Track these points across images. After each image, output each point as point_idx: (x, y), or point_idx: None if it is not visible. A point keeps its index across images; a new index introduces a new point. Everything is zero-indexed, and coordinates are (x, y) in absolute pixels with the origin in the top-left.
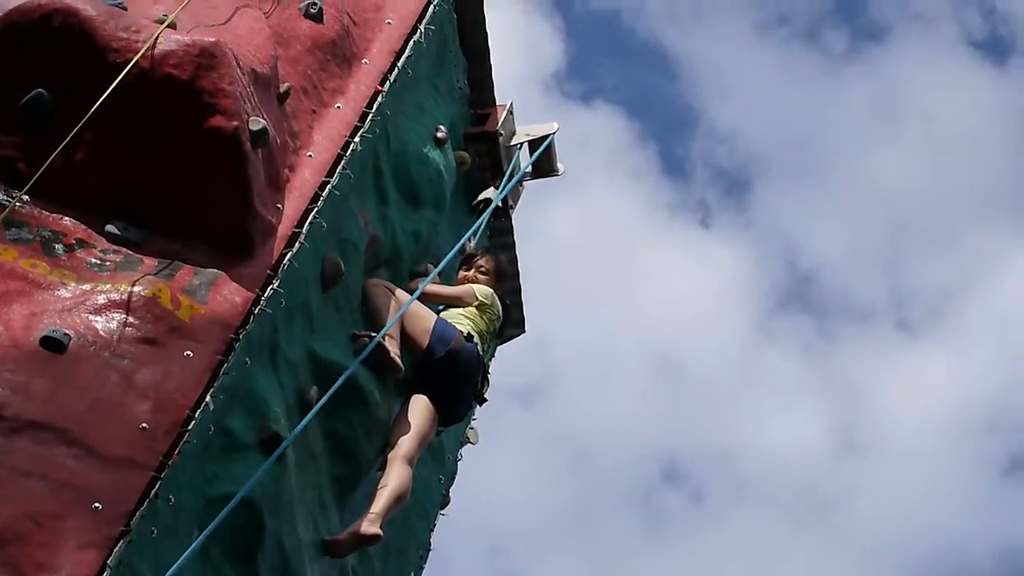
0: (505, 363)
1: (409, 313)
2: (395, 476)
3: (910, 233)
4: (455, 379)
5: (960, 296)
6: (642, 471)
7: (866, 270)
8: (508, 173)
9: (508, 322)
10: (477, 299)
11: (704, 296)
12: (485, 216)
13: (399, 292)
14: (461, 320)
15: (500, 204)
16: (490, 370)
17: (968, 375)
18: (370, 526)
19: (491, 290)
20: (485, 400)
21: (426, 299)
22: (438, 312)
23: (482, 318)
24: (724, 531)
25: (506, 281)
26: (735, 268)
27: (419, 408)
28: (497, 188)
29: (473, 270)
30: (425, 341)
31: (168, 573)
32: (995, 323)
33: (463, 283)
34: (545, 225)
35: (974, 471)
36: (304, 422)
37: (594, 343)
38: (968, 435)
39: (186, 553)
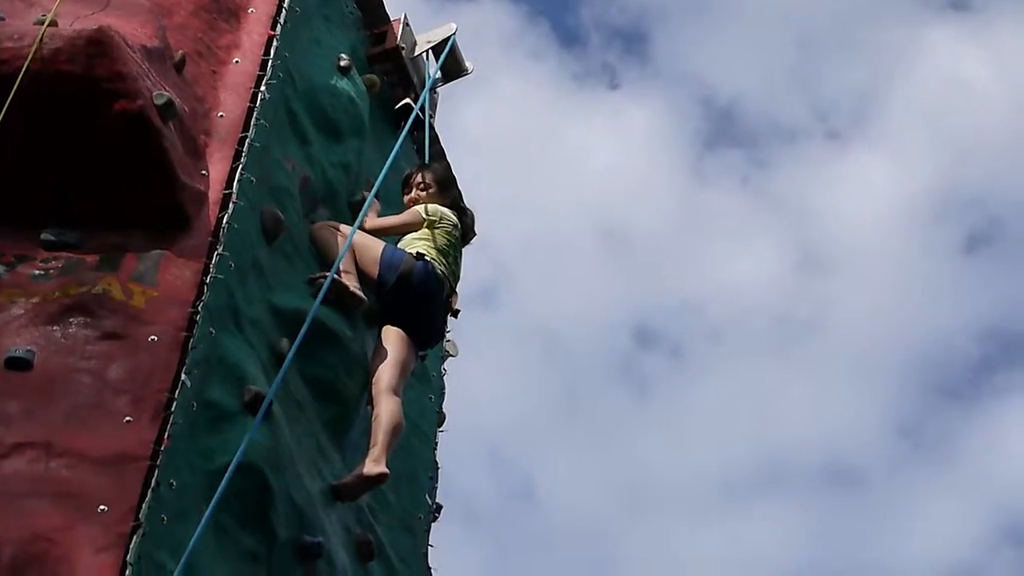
0: None
1: (358, 247)
2: (384, 409)
3: (816, 43)
4: (416, 302)
5: (880, 93)
6: (615, 342)
7: (783, 90)
8: (424, 82)
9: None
10: (425, 218)
11: (632, 158)
12: (406, 128)
13: (344, 228)
14: (415, 243)
15: (419, 117)
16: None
17: (907, 167)
18: (375, 466)
19: (436, 205)
20: (458, 311)
21: (381, 235)
22: (396, 243)
23: (437, 234)
24: (712, 379)
25: (449, 188)
26: (654, 122)
27: (391, 337)
28: (415, 102)
29: (414, 190)
30: (376, 271)
31: (185, 555)
32: (919, 111)
33: (409, 206)
34: (463, 127)
35: (937, 257)
36: (280, 376)
37: (537, 231)
38: (922, 224)
39: (196, 533)
